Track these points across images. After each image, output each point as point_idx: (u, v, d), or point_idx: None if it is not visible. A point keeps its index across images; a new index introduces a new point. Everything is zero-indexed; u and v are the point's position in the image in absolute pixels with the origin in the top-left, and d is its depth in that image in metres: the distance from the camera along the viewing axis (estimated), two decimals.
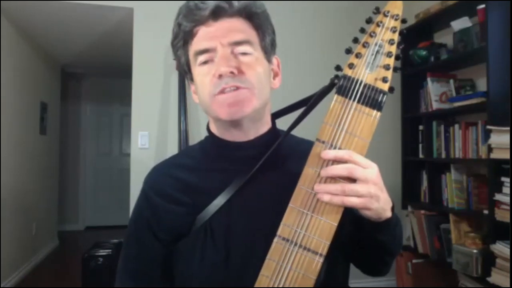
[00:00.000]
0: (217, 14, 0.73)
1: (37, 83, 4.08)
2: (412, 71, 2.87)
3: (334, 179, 0.63)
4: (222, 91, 0.72)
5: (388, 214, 0.67)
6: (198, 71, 0.76)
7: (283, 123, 0.83)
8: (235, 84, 0.71)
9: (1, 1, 2.90)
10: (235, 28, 0.74)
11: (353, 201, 0.62)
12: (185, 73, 0.83)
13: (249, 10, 0.76)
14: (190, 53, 0.77)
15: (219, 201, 0.75)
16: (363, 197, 0.62)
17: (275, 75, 0.83)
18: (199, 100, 0.79)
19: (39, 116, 4.13)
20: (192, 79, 0.80)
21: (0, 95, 3.09)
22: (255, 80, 0.73)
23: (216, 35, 0.73)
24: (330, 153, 0.63)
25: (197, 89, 0.78)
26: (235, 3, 0.74)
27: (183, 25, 0.75)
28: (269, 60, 0.80)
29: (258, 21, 0.77)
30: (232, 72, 0.71)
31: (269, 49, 0.79)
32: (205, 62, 0.75)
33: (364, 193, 0.61)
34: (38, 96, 4.13)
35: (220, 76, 0.71)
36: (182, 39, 0.77)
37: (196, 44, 0.75)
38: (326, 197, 0.62)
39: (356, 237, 0.74)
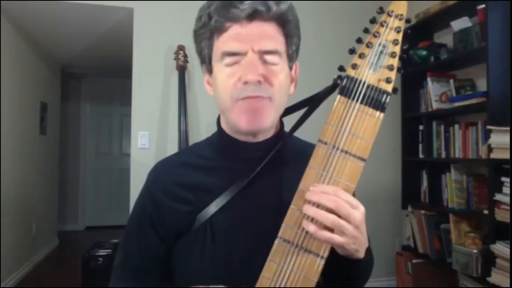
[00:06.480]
0: (252, 16, 0.70)
1: (37, 83, 4.07)
2: (412, 71, 2.87)
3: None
4: (246, 98, 0.71)
5: (360, 255, 0.66)
6: (221, 70, 0.73)
7: (285, 122, 0.83)
8: (259, 94, 0.70)
9: (1, 1, 2.90)
10: (267, 34, 0.72)
11: (335, 240, 0.61)
12: (203, 63, 0.80)
13: (285, 18, 0.73)
14: (216, 49, 0.74)
15: (220, 201, 0.75)
16: (345, 237, 0.61)
17: (292, 80, 0.81)
18: (217, 99, 0.77)
19: (39, 116, 4.12)
20: (210, 72, 0.78)
21: (0, 95, 3.09)
22: (278, 91, 0.72)
23: (248, 39, 0.70)
24: (316, 188, 0.62)
25: (216, 87, 0.75)
26: (273, 8, 0.71)
27: (214, 18, 0.71)
28: (290, 68, 0.78)
29: (290, 29, 0.75)
30: (259, 81, 0.69)
31: (293, 57, 0.78)
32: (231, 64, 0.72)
33: (347, 233, 0.61)
34: (38, 96, 4.12)
35: (246, 82, 0.70)
36: (209, 31, 0.74)
37: (226, 43, 0.72)
38: (311, 228, 0.61)
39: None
